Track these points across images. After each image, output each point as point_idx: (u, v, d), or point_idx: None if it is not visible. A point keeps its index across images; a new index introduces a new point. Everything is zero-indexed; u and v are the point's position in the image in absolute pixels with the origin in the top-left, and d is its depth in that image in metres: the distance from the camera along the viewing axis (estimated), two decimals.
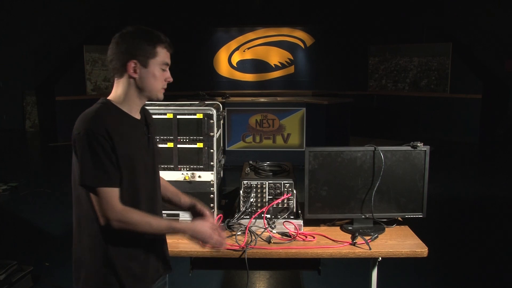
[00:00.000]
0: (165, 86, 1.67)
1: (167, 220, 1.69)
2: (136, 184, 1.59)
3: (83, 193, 1.53)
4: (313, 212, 2.21)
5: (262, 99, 7.68)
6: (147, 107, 2.11)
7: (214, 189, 2.19)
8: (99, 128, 1.47)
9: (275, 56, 11.44)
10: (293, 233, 2.11)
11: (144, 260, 1.65)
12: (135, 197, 1.59)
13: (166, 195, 1.86)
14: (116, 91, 1.62)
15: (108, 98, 1.62)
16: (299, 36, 11.32)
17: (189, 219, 2.02)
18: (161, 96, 1.66)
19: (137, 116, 1.66)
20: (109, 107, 1.58)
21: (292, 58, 11.41)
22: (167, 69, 1.65)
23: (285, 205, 2.24)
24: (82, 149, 1.47)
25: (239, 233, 2.09)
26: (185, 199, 1.88)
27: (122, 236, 1.55)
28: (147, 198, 1.65)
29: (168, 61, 1.64)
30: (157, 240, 1.72)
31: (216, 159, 2.19)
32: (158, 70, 1.61)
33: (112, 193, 1.50)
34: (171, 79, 1.66)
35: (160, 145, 2.14)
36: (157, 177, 1.74)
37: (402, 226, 2.27)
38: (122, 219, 1.50)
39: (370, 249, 2.00)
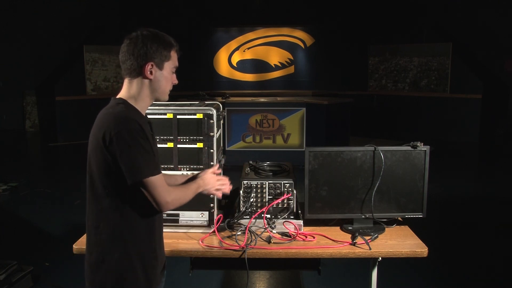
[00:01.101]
0: (171, 88, 1.74)
1: (190, 184, 1.79)
2: None
3: (103, 191, 1.58)
4: (313, 212, 2.21)
5: (262, 99, 7.68)
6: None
7: None
8: (136, 126, 1.53)
9: (275, 56, 11.43)
10: (293, 233, 2.11)
11: (157, 252, 1.72)
12: None
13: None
14: (129, 91, 1.66)
15: (121, 97, 1.66)
16: (299, 36, 11.31)
17: (189, 218, 2.06)
18: (167, 97, 1.73)
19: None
20: (130, 107, 1.63)
21: (292, 58, 11.40)
22: (175, 72, 1.73)
23: (285, 205, 2.24)
24: (127, 147, 1.52)
25: (239, 233, 2.09)
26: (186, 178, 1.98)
27: (140, 230, 1.63)
28: None
29: (177, 64, 1.72)
30: (161, 233, 1.79)
31: (216, 159, 2.19)
32: (169, 73, 1.69)
33: (163, 178, 1.60)
34: (176, 82, 1.74)
35: (160, 145, 2.15)
36: None
37: (402, 226, 2.28)
38: (175, 197, 1.63)
39: (370, 249, 2.00)
